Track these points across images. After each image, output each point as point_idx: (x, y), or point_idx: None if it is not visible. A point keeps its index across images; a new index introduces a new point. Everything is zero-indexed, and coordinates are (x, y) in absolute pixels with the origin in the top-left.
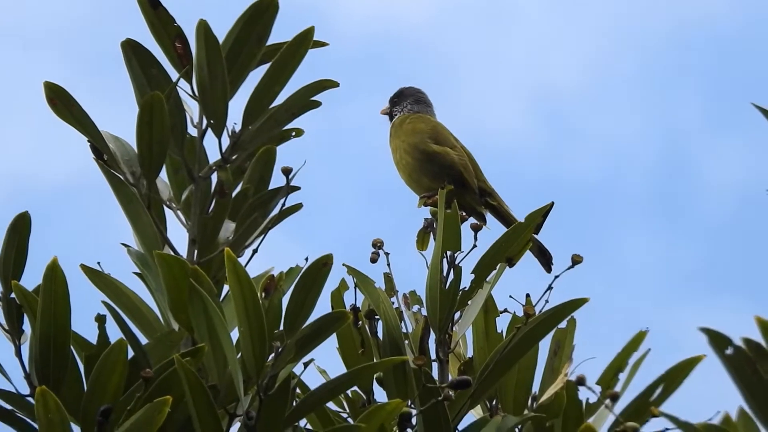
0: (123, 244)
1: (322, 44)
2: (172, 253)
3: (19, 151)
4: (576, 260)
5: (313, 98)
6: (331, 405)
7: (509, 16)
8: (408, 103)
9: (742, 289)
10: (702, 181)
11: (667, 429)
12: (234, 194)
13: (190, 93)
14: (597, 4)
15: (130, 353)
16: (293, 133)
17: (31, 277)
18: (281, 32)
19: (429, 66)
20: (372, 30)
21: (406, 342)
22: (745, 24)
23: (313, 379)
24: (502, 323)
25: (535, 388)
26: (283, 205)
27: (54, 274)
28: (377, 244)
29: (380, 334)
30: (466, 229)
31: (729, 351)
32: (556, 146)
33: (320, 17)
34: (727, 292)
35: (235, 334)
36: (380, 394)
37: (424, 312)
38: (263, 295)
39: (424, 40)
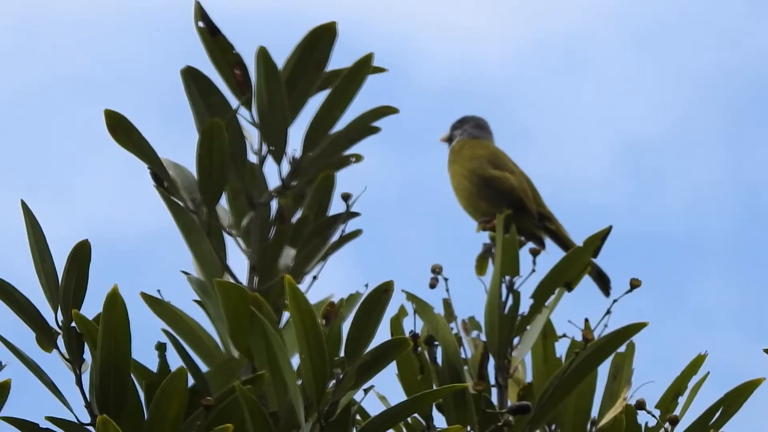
0: (183, 272)
1: (381, 70)
2: (232, 280)
3: (105, 195)
4: (634, 284)
5: (372, 124)
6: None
7: (589, 65)
8: (468, 128)
9: None
10: None
11: None
12: (294, 220)
13: (250, 120)
14: (680, 51)
15: (191, 381)
16: (353, 159)
17: (93, 308)
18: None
19: (508, 116)
20: (449, 79)
21: (465, 368)
22: None
23: (373, 406)
24: (561, 348)
25: (594, 412)
26: (343, 231)
27: (114, 302)
28: (436, 270)
29: (439, 360)
30: (524, 253)
31: None
32: (638, 196)
33: (399, 66)
34: None
35: (295, 361)
36: (440, 420)
37: (482, 337)
38: (324, 321)
39: (502, 90)
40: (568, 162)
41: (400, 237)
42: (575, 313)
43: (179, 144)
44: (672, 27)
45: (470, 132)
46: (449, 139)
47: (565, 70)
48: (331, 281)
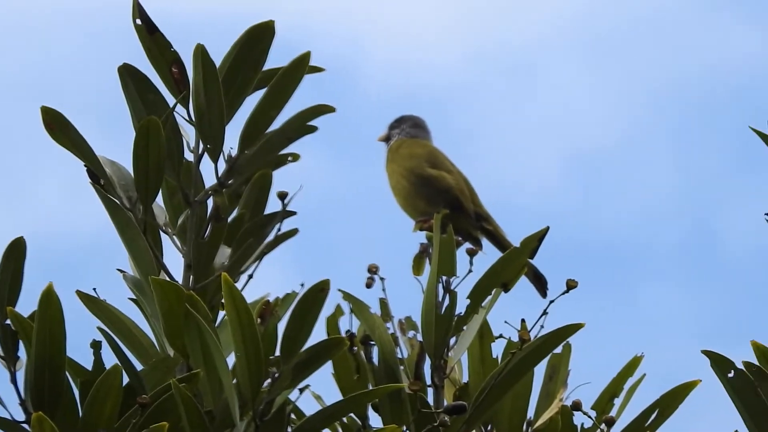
0: (119, 270)
1: (319, 69)
2: (167, 278)
3: (48, 205)
4: (570, 285)
5: (310, 123)
6: (326, 431)
7: (539, 74)
8: (405, 127)
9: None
10: (729, 244)
11: None
12: (230, 219)
13: (187, 118)
14: (631, 63)
15: (126, 379)
16: (290, 158)
17: (31, 307)
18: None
19: (457, 123)
20: (398, 86)
21: (402, 367)
22: None
23: (308, 405)
24: (498, 348)
25: (530, 413)
26: (279, 230)
27: (49, 299)
28: (372, 270)
29: (375, 360)
30: (461, 254)
31: (731, 374)
32: (588, 205)
33: (343, 74)
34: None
35: (231, 360)
36: (375, 420)
37: (419, 337)
38: (259, 320)
39: (452, 97)
40: (518, 170)
41: (337, 236)
42: (512, 314)
43: (117, 142)
44: (624, 39)
45: (408, 131)
46: (387, 139)
47: (516, 78)
48: (267, 280)
